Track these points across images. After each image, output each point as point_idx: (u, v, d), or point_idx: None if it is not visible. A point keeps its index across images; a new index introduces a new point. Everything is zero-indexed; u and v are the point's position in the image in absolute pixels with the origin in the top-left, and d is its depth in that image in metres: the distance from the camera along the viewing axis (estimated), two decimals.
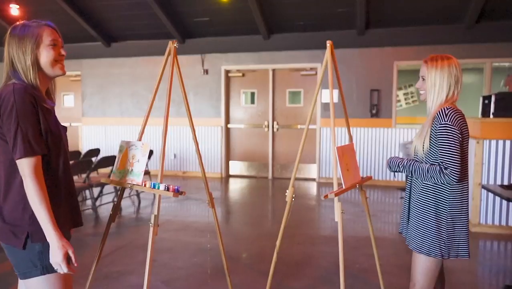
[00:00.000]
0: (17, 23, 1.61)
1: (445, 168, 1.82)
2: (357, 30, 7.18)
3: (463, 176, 1.88)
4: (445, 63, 1.93)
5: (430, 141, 1.91)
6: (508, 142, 4.42)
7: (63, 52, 1.62)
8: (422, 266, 1.97)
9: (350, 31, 7.29)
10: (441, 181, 1.86)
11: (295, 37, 7.60)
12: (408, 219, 2.08)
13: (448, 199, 1.91)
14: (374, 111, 7.38)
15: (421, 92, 2.03)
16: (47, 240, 1.47)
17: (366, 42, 7.31)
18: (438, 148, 1.87)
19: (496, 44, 6.83)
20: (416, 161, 1.99)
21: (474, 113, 7.85)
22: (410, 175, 2.01)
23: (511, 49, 6.78)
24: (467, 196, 1.95)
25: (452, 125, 1.84)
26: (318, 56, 7.51)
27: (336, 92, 6.85)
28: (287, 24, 7.46)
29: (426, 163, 1.93)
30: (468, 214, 1.96)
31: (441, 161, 1.84)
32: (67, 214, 1.62)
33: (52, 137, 1.55)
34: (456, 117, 1.86)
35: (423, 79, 1.99)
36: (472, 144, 4.58)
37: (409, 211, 2.08)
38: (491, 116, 4.85)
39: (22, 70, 1.55)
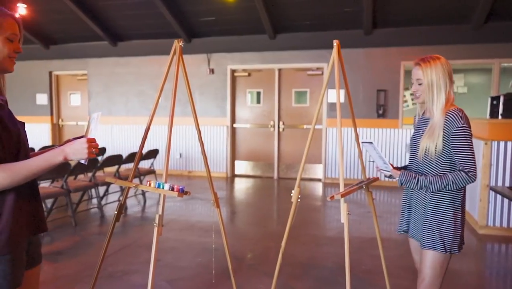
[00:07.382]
0: None
1: (469, 171, 1.88)
2: (363, 30, 7.14)
3: None
4: (437, 62, 1.95)
5: (443, 143, 1.93)
6: None
7: (19, 49, 1.44)
8: (436, 261, 1.98)
9: (357, 31, 7.25)
10: (466, 184, 1.91)
11: (301, 37, 7.57)
12: (409, 217, 2.12)
13: (460, 194, 1.98)
14: (380, 112, 7.33)
15: (417, 94, 2.01)
16: (62, 157, 1.39)
17: (373, 42, 7.26)
18: (456, 150, 1.90)
19: (504, 44, 6.76)
20: (426, 174, 1.99)
21: (482, 114, 7.78)
22: (426, 190, 1.99)
23: None
24: None
25: (469, 128, 1.90)
26: (324, 56, 7.48)
27: (342, 92, 6.82)
28: (293, 23, 7.44)
29: (435, 170, 1.96)
30: None
31: (463, 164, 1.89)
32: (28, 219, 1.43)
33: (7, 134, 1.36)
34: (468, 119, 1.92)
35: (420, 83, 1.97)
36: (480, 145, 4.53)
37: (409, 208, 2.13)
38: (500, 117, 4.81)
39: None
